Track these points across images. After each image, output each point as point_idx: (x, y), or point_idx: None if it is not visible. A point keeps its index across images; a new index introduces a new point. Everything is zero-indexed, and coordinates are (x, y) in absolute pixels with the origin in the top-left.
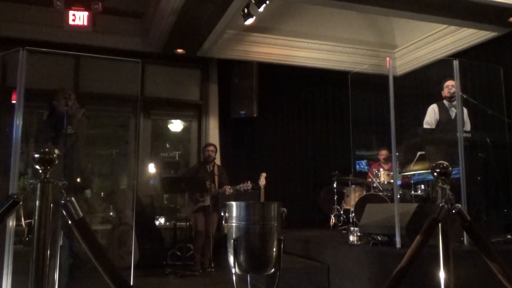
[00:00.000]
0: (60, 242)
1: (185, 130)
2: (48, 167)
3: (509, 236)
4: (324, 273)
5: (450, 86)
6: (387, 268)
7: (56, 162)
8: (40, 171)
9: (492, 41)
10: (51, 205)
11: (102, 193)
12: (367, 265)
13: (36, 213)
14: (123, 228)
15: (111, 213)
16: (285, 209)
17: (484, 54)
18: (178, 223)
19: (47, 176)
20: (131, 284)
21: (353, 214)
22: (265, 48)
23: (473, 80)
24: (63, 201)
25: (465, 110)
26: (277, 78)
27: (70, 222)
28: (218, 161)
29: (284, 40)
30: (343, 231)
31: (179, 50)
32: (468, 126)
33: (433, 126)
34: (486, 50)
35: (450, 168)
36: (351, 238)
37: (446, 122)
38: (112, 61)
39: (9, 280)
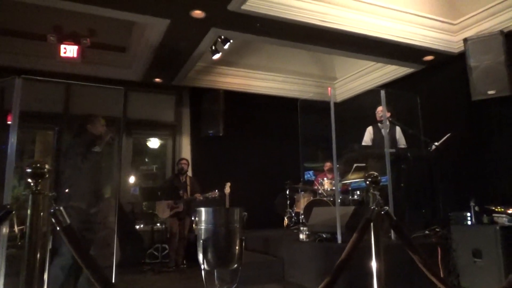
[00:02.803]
0: (49, 246)
1: (162, 146)
2: (39, 180)
3: (426, 232)
4: (279, 266)
5: (380, 111)
6: (331, 260)
7: (47, 176)
8: (32, 183)
9: (411, 75)
10: (42, 213)
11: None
12: (314, 258)
13: (28, 221)
14: (107, 232)
15: None
16: (246, 213)
17: (406, 85)
18: (155, 227)
19: (38, 188)
20: (113, 280)
21: (303, 216)
22: (229, 78)
23: (397, 105)
24: (52, 210)
25: (398, 129)
26: (240, 103)
27: (58, 228)
28: (190, 173)
29: (245, 72)
30: (295, 230)
31: (157, 79)
32: (402, 142)
33: (369, 144)
34: (407, 81)
35: (379, 177)
36: (301, 236)
37: (380, 141)
38: (99, 88)
39: (2, 281)
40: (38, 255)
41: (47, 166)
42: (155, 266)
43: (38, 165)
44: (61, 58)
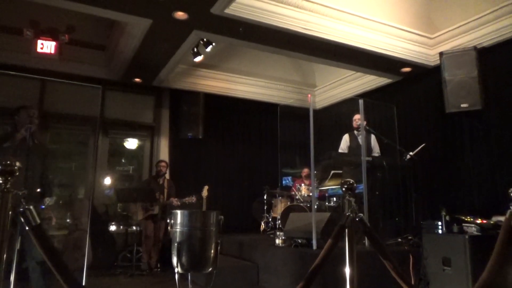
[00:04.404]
0: (17, 247)
1: (139, 148)
2: (9, 178)
3: (399, 239)
4: (254, 271)
5: (357, 119)
6: (306, 266)
7: (17, 173)
8: (1, 181)
9: (389, 85)
10: (10, 212)
11: (61, 201)
12: (289, 263)
13: None
14: (79, 233)
15: (68, 220)
16: (222, 217)
17: (383, 95)
18: (129, 229)
19: (7, 186)
20: (83, 284)
21: (279, 221)
22: (210, 82)
23: (374, 115)
24: (21, 209)
25: (373, 137)
26: (220, 107)
27: (27, 228)
28: (167, 175)
29: (226, 75)
30: (271, 235)
31: (137, 79)
32: (377, 150)
33: (346, 151)
34: (384, 91)
35: (355, 184)
36: (277, 241)
37: (355, 148)
38: (75, 85)
39: None
40: (5, 256)
41: (17, 164)
42: (127, 269)
43: (8, 162)
44: (38, 53)
